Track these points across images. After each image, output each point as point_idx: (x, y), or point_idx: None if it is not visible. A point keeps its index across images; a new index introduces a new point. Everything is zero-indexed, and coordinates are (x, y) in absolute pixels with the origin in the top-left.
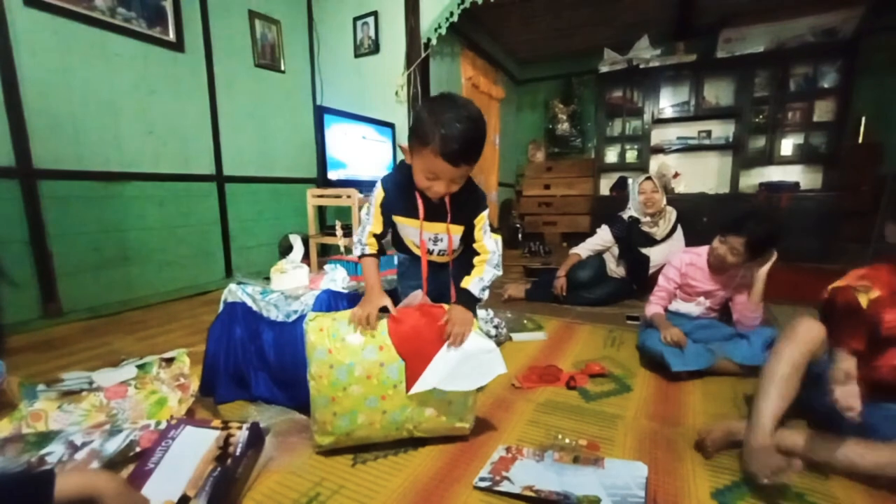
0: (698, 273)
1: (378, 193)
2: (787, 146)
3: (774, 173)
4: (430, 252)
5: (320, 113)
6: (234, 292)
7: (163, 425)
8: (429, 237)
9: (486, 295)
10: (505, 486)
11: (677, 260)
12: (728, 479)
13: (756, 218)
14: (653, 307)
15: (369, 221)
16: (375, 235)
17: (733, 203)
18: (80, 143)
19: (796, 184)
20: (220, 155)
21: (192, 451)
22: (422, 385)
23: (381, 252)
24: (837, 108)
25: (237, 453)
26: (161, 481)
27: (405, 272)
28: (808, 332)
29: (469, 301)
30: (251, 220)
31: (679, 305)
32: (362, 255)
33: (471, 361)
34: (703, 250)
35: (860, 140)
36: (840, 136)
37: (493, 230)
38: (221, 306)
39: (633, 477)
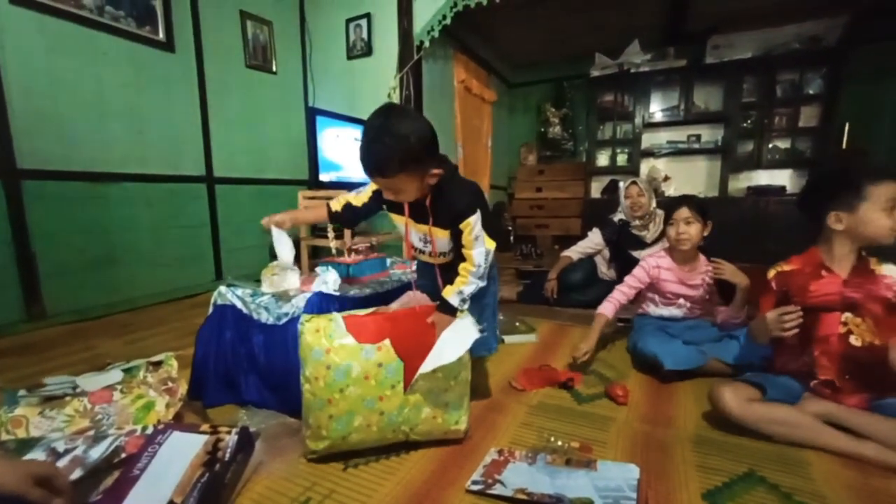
0: (668, 274)
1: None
2: (775, 150)
3: (762, 177)
4: (421, 252)
5: (312, 115)
6: (224, 294)
7: (149, 430)
8: (418, 237)
9: (465, 306)
10: (497, 490)
11: (644, 263)
12: (719, 480)
13: (681, 196)
14: (606, 304)
15: (358, 192)
16: (350, 205)
17: (722, 206)
18: (66, 142)
19: (783, 187)
20: (211, 156)
21: (179, 457)
22: (417, 376)
23: (339, 217)
24: (822, 114)
25: (226, 458)
26: (147, 487)
27: (418, 270)
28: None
29: (448, 311)
30: (241, 222)
31: (663, 310)
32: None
33: (447, 334)
34: (662, 251)
35: (844, 145)
36: (825, 142)
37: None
38: (211, 309)
39: (626, 479)
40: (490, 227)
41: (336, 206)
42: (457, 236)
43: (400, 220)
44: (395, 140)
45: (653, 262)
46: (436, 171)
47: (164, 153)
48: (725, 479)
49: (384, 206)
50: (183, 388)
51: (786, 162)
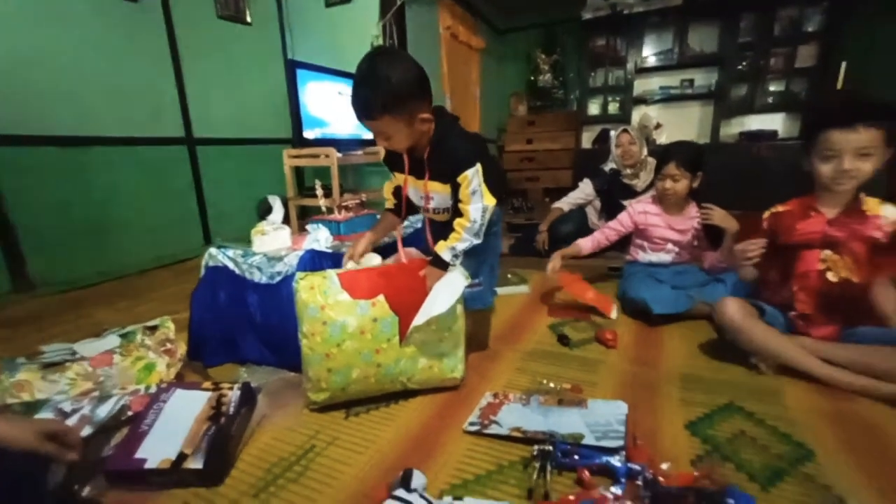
0: (656, 219)
1: (382, 151)
2: (769, 94)
3: (754, 122)
4: (426, 210)
5: (292, 68)
6: (215, 256)
7: (153, 389)
8: (419, 195)
9: (457, 262)
10: (493, 429)
11: (631, 208)
12: (700, 411)
13: (676, 145)
14: (586, 240)
15: (389, 180)
16: (397, 189)
17: (714, 153)
18: (33, 105)
19: (775, 132)
20: (189, 116)
21: (185, 412)
22: (410, 328)
23: (400, 207)
24: (820, 53)
25: (230, 412)
26: (157, 441)
27: (423, 224)
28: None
29: (440, 265)
30: (227, 184)
31: (651, 256)
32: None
33: (438, 286)
34: (650, 198)
35: (839, 86)
36: (822, 82)
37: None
38: (203, 271)
39: (615, 414)
40: (492, 183)
41: (391, 202)
42: (456, 190)
43: (401, 178)
44: (377, 82)
45: (639, 208)
46: (424, 115)
47: (139, 114)
48: (707, 410)
49: (387, 166)
50: (182, 349)
51: (778, 105)
